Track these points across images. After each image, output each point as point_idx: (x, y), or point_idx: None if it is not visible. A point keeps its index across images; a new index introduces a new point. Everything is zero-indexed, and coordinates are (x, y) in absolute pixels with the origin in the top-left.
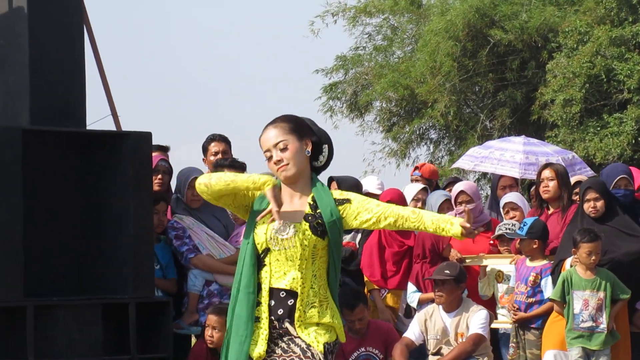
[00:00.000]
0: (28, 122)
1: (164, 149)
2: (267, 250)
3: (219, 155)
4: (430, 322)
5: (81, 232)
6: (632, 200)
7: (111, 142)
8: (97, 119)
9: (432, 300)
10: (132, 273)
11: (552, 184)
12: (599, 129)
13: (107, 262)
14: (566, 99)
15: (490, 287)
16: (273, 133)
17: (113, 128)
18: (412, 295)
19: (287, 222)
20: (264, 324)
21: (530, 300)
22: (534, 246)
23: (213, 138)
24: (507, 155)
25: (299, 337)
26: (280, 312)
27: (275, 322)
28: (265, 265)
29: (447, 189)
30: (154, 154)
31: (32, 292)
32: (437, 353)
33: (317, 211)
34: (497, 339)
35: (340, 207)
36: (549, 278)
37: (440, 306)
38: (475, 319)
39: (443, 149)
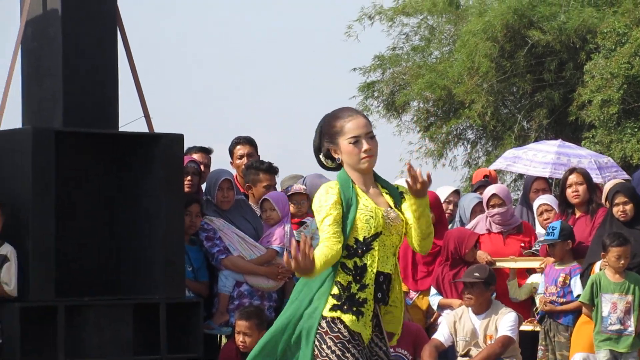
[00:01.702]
0: (61, 124)
1: (207, 151)
2: (377, 234)
3: (244, 159)
4: (459, 323)
5: (113, 233)
6: None
7: (143, 144)
8: (129, 120)
9: (451, 306)
10: (163, 273)
11: (582, 188)
12: (636, 130)
13: (139, 262)
14: (604, 100)
15: (523, 292)
16: (365, 122)
17: (145, 130)
18: (434, 297)
19: (389, 209)
20: (370, 305)
21: (561, 300)
22: (567, 248)
23: (238, 141)
24: (540, 156)
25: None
26: (379, 295)
27: (375, 305)
28: (373, 248)
29: (479, 192)
30: (194, 156)
31: (64, 292)
32: (466, 355)
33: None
34: (533, 341)
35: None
36: (578, 277)
37: (470, 308)
38: (504, 321)
39: (480, 149)
